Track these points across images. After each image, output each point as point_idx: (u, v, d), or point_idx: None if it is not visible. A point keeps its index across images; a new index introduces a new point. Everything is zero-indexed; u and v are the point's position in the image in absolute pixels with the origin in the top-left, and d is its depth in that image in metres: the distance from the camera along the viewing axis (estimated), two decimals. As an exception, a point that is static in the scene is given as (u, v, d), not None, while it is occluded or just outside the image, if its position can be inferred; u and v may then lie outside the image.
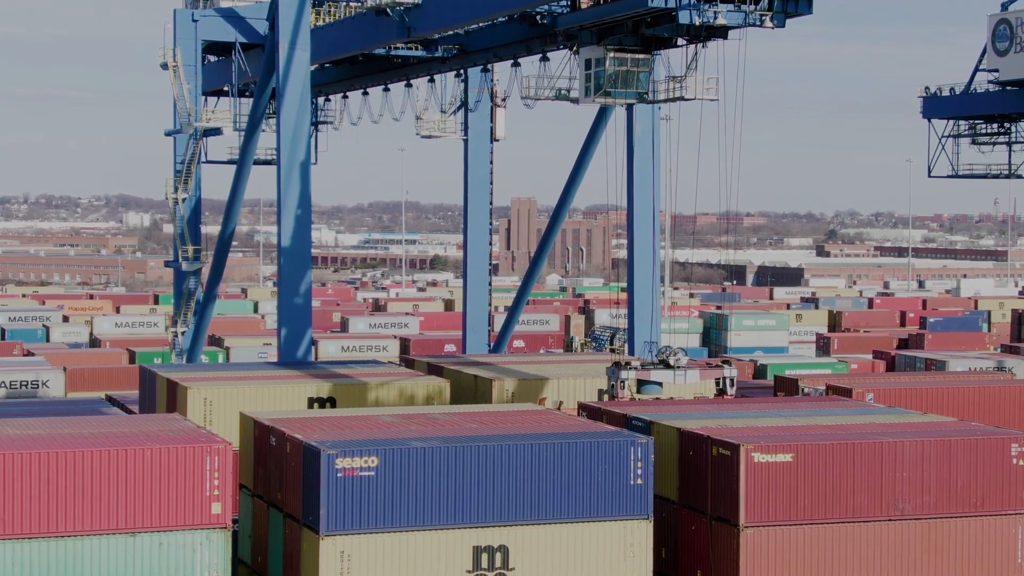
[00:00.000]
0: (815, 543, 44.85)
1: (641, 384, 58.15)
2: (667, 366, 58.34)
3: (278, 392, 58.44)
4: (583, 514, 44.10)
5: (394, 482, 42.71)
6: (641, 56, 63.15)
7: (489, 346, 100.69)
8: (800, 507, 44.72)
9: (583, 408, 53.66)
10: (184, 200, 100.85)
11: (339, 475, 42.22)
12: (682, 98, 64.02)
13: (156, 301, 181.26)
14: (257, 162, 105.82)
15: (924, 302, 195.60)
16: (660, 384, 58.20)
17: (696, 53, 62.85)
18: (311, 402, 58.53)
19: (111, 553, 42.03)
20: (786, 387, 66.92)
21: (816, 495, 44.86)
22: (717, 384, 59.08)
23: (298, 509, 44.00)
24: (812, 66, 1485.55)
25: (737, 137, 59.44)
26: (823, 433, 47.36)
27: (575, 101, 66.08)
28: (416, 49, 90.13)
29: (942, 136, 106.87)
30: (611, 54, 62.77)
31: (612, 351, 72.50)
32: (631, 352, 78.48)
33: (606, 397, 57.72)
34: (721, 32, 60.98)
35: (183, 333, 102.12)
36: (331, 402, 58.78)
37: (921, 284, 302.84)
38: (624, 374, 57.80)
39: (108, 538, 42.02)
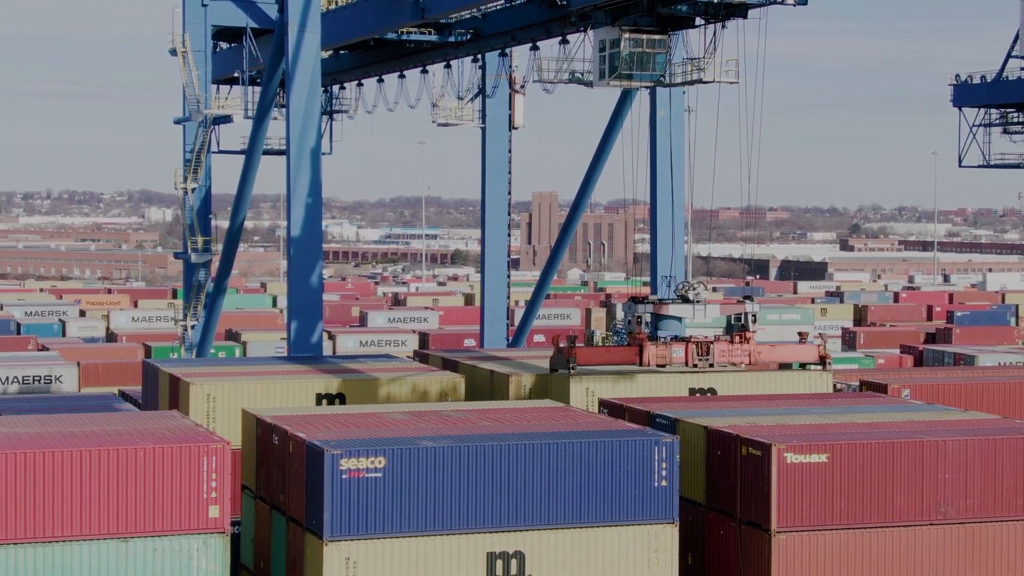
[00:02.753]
0: (851, 549, 42.46)
1: (659, 319, 56.04)
2: (685, 300, 56.25)
3: (285, 388, 55.98)
4: (604, 518, 41.79)
5: (402, 484, 40.42)
6: (657, 37, 60.84)
7: (508, 340, 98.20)
8: (835, 511, 42.37)
9: (604, 405, 51.14)
10: (194, 190, 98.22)
11: (344, 476, 39.96)
12: (700, 81, 61.72)
13: (174, 296, 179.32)
14: (270, 152, 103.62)
15: (951, 296, 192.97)
16: (679, 319, 56.07)
17: (715, 34, 60.50)
18: (319, 398, 56.07)
19: (101, 560, 39.75)
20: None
21: (852, 498, 42.50)
22: (738, 320, 56.92)
23: (301, 512, 41.80)
24: (833, 62, 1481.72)
25: (758, 121, 57.33)
26: (859, 432, 44.86)
27: (589, 85, 63.65)
28: (429, 34, 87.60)
29: (973, 125, 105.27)
30: (626, 35, 60.48)
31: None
32: None
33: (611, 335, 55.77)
34: (741, 10, 58.67)
35: (193, 327, 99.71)
36: (340, 398, 56.30)
37: (946, 278, 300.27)
38: (641, 308, 55.51)
39: (98, 543, 39.73)
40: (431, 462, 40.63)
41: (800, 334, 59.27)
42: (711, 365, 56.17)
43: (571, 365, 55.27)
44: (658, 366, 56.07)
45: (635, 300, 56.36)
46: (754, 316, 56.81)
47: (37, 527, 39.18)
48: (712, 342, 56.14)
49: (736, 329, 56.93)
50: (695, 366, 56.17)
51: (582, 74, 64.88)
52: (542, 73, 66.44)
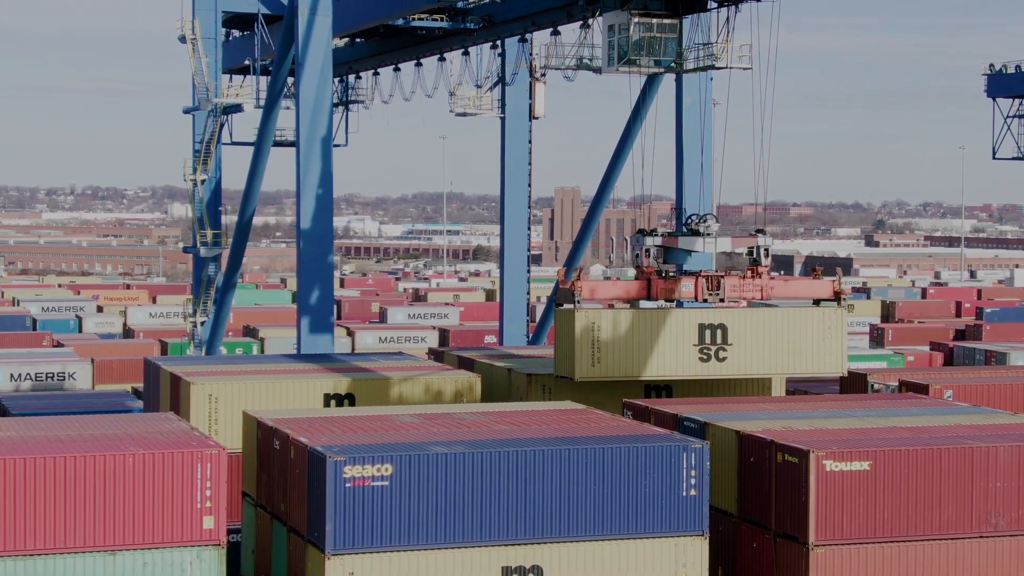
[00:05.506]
0: (895, 563, 39.93)
1: (668, 252, 54.69)
2: (695, 234, 54.57)
3: (291, 388, 53.32)
4: (628, 530, 39.39)
5: (411, 493, 37.95)
6: (668, 21, 58.63)
7: (528, 337, 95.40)
8: (878, 522, 39.86)
9: (628, 407, 48.21)
10: (203, 182, 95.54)
11: (347, 485, 37.50)
12: (713, 67, 59.58)
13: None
14: (283, 144, 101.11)
15: (979, 292, 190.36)
16: (689, 252, 54.62)
17: (729, 18, 58.26)
18: (327, 399, 53.40)
19: (87, 573, 37.19)
20: (854, 382, 61.17)
21: (897, 508, 39.97)
22: (750, 254, 55.20)
23: (303, 523, 39.36)
24: (857, 57, 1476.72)
25: (770, 107, 55.59)
26: (903, 437, 42.23)
27: (598, 71, 61.26)
28: (442, 20, 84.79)
29: (1007, 116, 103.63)
30: (636, 19, 58.36)
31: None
32: None
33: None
34: None
35: (203, 323, 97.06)
36: (349, 399, 53.59)
37: (972, 274, 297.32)
38: (649, 241, 54.08)
39: (84, 556, 37.26)
40: (442, 469, 38.19)
41: (814, 269, 57.14)
42: (722, 300, 54.55)
43: (576, 299, 53.37)
44: (666, 300, 54.25)
45: (643, 232, 54.86)
46: (766, 250, 55.22)
47: (18, 539, 36.71)
48: (723, 276, 54.66)
49: (748, 263, 55.49)
50: (705, 301, 54.47)
51: (591, 60, 62.65)
52: (549, 59, 64.28)
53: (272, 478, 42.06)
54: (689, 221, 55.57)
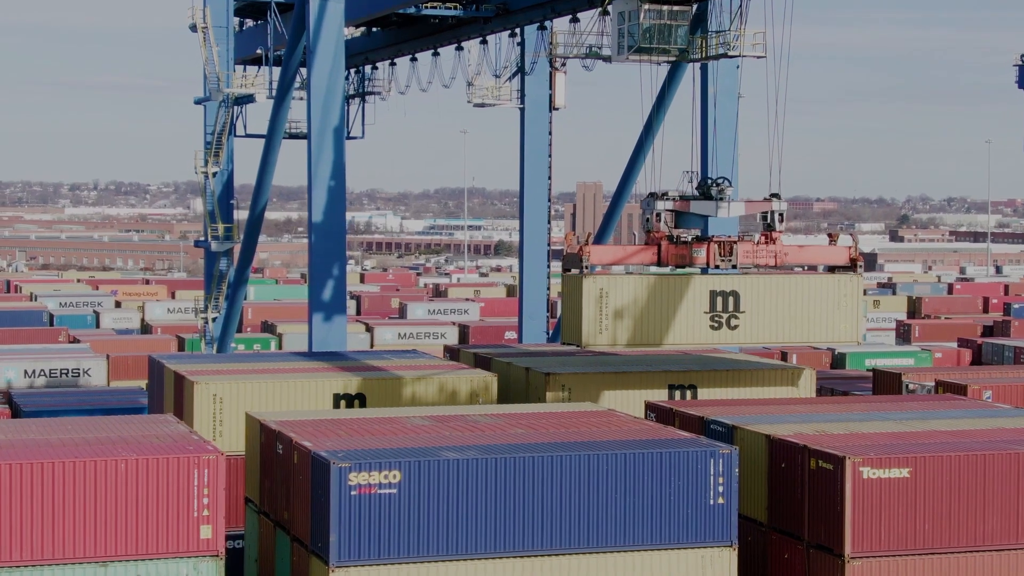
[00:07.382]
0: (936, 576, 37.56)
1: (680, 217, 53.01)
2: (708, 197, 52.64)
3: (299, 388, 51.19)
4: (652, 540, 37.33)
5: (421, 501, 35.96)
6: (679, 8, 56.73)
7: (547, 334, 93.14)
8: (918, 533, 37.73)
9: (652, 409, 45.93)
10: (215, 174, 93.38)
11: (353, 493, 35.48)
12: (726, 55, 58.53)
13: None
14: (296, 136, 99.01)
15: (1006, 287, 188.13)
16: (702, 217, 53.01)
17: (742, 4, 56.49)
18: (337, 399, 51.24)
19: (77, 586, 35.11)
20: (888, 382, 58.76)
21: (938, 518, 37.84)
22: (764, 219, 53.53)
23: (306, 532, 37.32)
24: (881, 51, 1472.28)
25: (783, 94, 54.14)
26: (944, 442, 39.93)
27: (607, 59, 59.36)
28: (455, 8, 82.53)
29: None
30: (645, 6, 56.66)
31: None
32: None
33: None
34: None
35: (214, 319, 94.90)
36: (360, 399, 51.40)
37: (998, 270, 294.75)
38: (660, 205, 52.42)
39: (73, 568, 35.29)
40: (453, 476, 36.17)
41: (830, 235, 55.52)
42: (734, 266, 52.89)
43: (584, 264, 51.60)
44: (677, 266, 52.69)
45: (654, 196, 53.15)
46: (781, 215, 53.63)
47: (3, 549, 34.74)
48: (736, 242, 53.13)
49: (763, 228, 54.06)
50: (717, 267, 52.97)
51: (600, 48, 60.86)
52: (556, 47, 62.45)
53: (275, 484, 40.02)
54: (702, 184, 53.57)
